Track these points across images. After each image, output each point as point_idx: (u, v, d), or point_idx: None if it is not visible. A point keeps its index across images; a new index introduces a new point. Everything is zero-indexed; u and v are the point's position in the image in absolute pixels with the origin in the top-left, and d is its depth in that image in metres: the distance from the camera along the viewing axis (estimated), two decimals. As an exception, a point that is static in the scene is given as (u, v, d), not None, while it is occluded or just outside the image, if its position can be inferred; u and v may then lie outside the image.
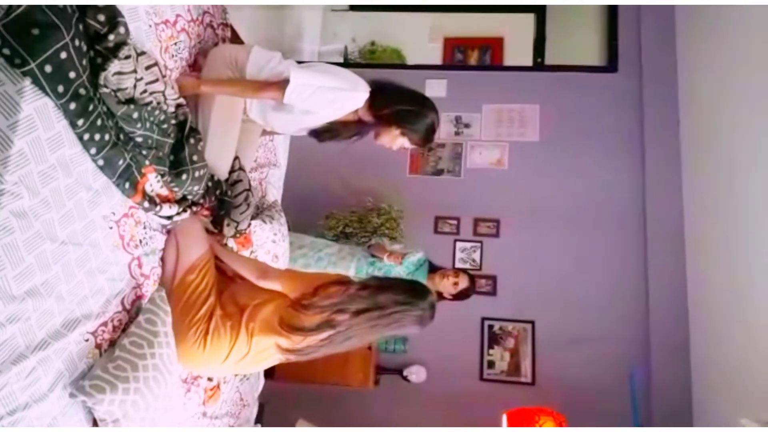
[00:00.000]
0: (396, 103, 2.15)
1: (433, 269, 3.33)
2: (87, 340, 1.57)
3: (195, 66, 2.20)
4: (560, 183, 4.24)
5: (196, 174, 1.94)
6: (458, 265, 4.16)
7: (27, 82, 1.29)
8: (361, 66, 4.77)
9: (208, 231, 2.18)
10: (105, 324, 1.65)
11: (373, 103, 2.15)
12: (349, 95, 2.10)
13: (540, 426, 3.18)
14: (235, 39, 2.70)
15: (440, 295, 3.19)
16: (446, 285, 3.20)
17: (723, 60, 3.49)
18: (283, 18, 4.54)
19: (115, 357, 1.62)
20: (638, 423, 3.22)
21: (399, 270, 3.22)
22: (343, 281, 2.00)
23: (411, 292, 1.95)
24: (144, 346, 1.68)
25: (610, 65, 4.39)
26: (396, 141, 2.22)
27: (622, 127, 4.26)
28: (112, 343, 1.68)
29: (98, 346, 1.62)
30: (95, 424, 1.60)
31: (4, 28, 1.24)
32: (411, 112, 2.17)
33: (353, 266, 3.26)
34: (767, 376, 2.73)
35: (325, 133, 2.25)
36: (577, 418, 3.29)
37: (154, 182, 1.83)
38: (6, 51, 1.25)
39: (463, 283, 3.22)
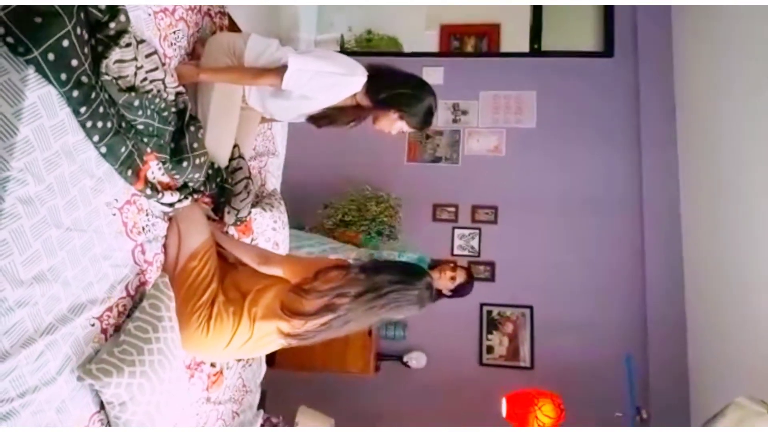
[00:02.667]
0: (394, 87, 2.16)
1: (432, 267, 3.22)
2: (93, 325, 1.60)
3: (193, 55, 2.21)
4: (557, 169, 4.26)
5: (197, 161, 1.96)
6: (457, 251, 4.21)
7: (30, 70, 1.30)
8: (357, 54, 4.77)
9: (209, 218, 2.21)
10: (110, 309, 1.68)
11: (370, 87, 2.15)
12: (347, 80, 2.11)
13: (539, 408, 3.22)
14: (233, 27, 2.71)
15: (439, 293, 3.10)
16: (444, 281, 3.12)
17: (719, 44, 3.51)
18: (280, 8, 4.53)
19: (120, 341, 1.64)
20: (635, 405, 3.26)
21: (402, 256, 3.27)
22: (342, 265, 2.02)
23: (406, 272, 1.98)
24: (149, 331, 1.70)
25: (607, 51, 4.41)
26: (394, 125, 2.23)
27: (618, 113, 4.28)
28: (118, 328, 1.71)
29: (104, 331, 1.65)
30: (102, 407, 1.63)
31: (7, 16, 1.25)
32: (409, 95, 2.18)
33: (353, 255, 3.30)
34: (763, 356, 2.78)
35: (322, 119, 2.26)
36: (575, 401, 3.33)
37: (155, 169, 1.85)
38: (10, 39, 1.26)
39: (461, 277, 3.17)
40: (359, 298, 1.88)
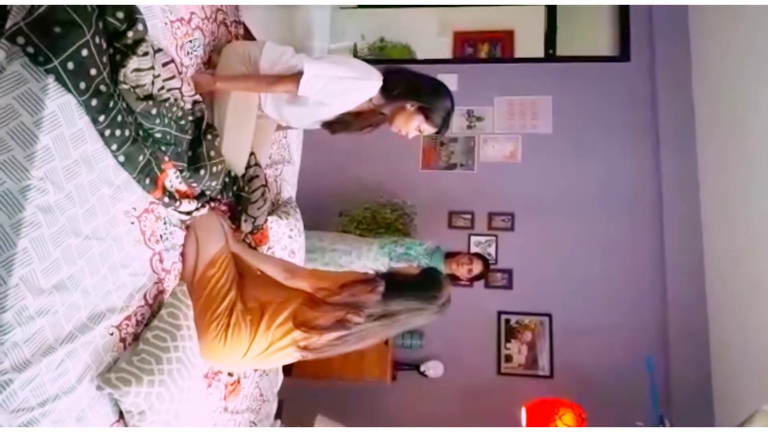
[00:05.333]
0: (410, 80, 2.15)
1: (449, 256, 3.41)
2: (112, 334, 1.60)
3: (209, 63, 2.22)
4: (574, 174, 4.22)
5: (214, 169, 1.96)
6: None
7: (50, 79, 1.31)
8: (371, 62, 4.77)
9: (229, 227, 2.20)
10: (129, 318, 1.68)
11: (387, 86, 2.12)
12: (363, 84, 2.10)
13: (560, 418, 3.17)
14: (248, 36, 2.73)
15: (457, 278, 3.33)
16: (461, 271, 3.33)
17: (738, 46, 3.46)
18: (293, 17, 4.56)
19: (139, 350, 1.64)
20: (657, 409, 3.20)
21: (418, 252, 3.34)
22: (367, 279, 2.00)
23: (424, 297, 1.97)
24: (167, 340, 1.70)
25: (623, 55, 4.36)
26: (411, 121, 2.16)
27: (636, 117, 4.23)
28: (136, 337, 1.71)
29: (122, 340, 1.65)
30: (121, 416, 1.62)
31: (27, 26, 1.27)
32: (426, 88, 2.16)
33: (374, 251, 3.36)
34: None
35: (337, 125, 2.24)
36: (596, 410, 3.28)
37: (173, 178, 1.85)
38: (30, 49, 1.28)
39: (477, 268, 3.34)
40: (375, 321, 1.91)
